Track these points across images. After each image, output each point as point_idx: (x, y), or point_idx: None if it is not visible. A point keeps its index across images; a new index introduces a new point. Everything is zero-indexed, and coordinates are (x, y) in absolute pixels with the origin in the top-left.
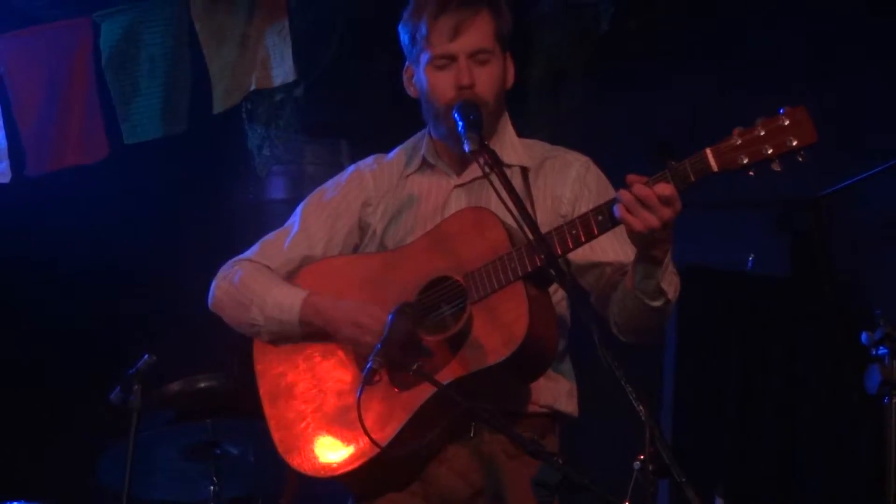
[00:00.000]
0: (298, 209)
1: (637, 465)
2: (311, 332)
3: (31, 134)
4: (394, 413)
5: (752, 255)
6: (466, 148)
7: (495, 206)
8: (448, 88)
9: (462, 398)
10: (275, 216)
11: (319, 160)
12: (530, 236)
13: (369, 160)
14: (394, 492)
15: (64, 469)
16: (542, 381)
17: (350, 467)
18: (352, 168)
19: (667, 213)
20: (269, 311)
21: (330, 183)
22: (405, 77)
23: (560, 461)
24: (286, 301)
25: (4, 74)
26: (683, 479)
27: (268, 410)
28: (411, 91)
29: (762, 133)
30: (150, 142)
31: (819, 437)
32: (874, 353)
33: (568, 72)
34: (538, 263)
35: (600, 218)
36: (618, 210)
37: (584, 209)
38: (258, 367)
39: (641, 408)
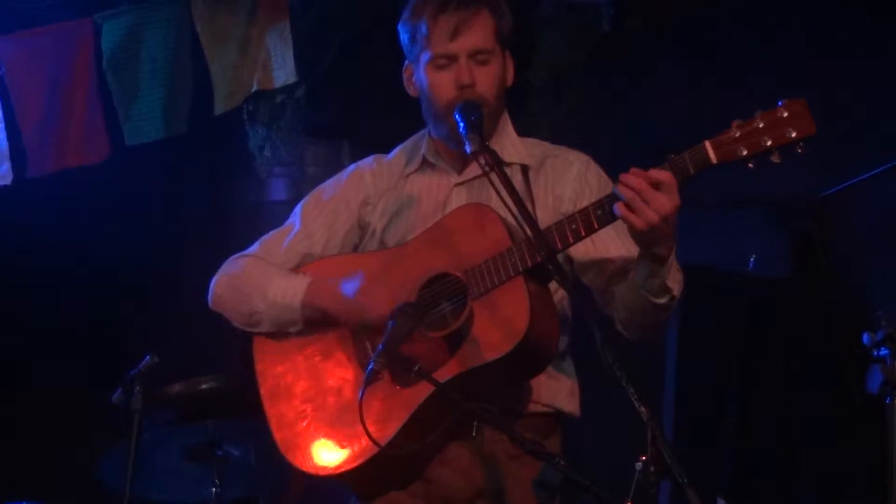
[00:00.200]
0: (298, 208)
1: (638, 465)
2: (312, 318)
3: (33, 135)
4: (394, 412)
5: (754, 255)
6: (468, 149)
7: (496, 204)
8: (449, 88)
9: (464, 396)
10: (276, 217)
11: (321, 161)
12: (530, 233)
13: (369, 160)
14: (395, 491)
15: (65, 470)
16: (543, 379)
17: (351, 466)
18: (351, 168)
19: (666, 205)
20: (272, 296)
21: (329, 182)
22: (405, 76)
23: (561, 462)
24: (290, 286)
25: (6, 75)
26: (685, 480)
27: (268, 410)
28: (411, 90)
29: (761, 125)
30: (151, 143)
31: (820, 438)
32: (875, 353)
33: (569, 72)
34: (538, 258)
35: (600, 212)
36: (618, 209)
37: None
38: (258, 368)
39: (643, 408)
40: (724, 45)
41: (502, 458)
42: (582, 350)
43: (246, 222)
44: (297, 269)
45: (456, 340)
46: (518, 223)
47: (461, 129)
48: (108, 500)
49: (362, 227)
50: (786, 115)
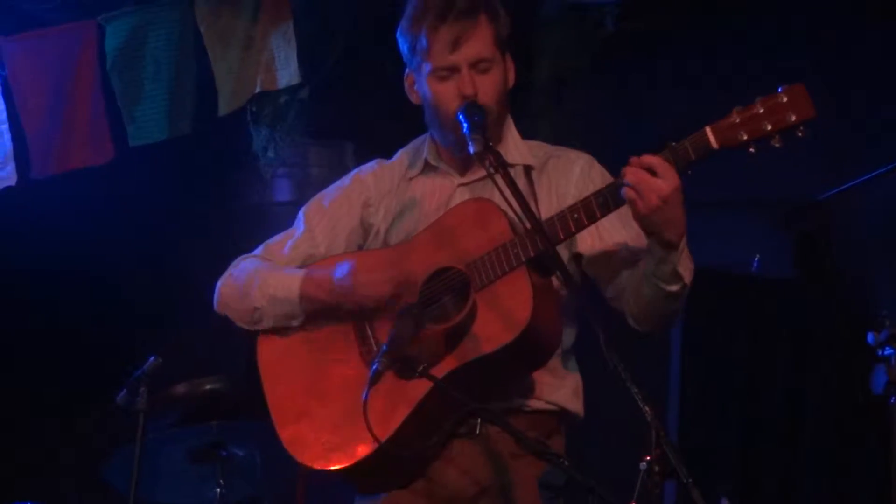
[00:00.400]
0: (301, 212)
1: (643, 466)
2: (312, 309)
3: (37, 136)
4: (396, 407)
5: (758, 256)
6: (471, 149)
7: (499, 203)
8: (452, 99)
9: (468, 389)
10: (280, 218)
11: (324, 162)
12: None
13: (371, 164)
14: (398, 489)
15: (70, 471)
16: (547, 377)
17: (354, 461)
18: (353, 171)
19: (663, 187)
20: (272, 291)
21: (331, 187)
22: (406, 84)
23: (565, 462)
24: (287, 280)
25: (9, 77)
26: (689, 481)
27: (273, 408)
28: (413, 98)
29: (761, 110)
30: (155, 144)
31: (825, 438)
32: (880, 353)
33: (572, 73)
34: (540, 248)
35: (601, 200)
36: (624, 192)
37: None
38: (262, 366)
39: (647, 409)
40: (726, 46)
41: (506, 456)
42: (586, 350)
43: (250, 223)
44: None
45: (459, 332)
46: (521, 221)
47: (465, 130)
48: (113, 501)
49: (365, 229)
50: (785, 99)
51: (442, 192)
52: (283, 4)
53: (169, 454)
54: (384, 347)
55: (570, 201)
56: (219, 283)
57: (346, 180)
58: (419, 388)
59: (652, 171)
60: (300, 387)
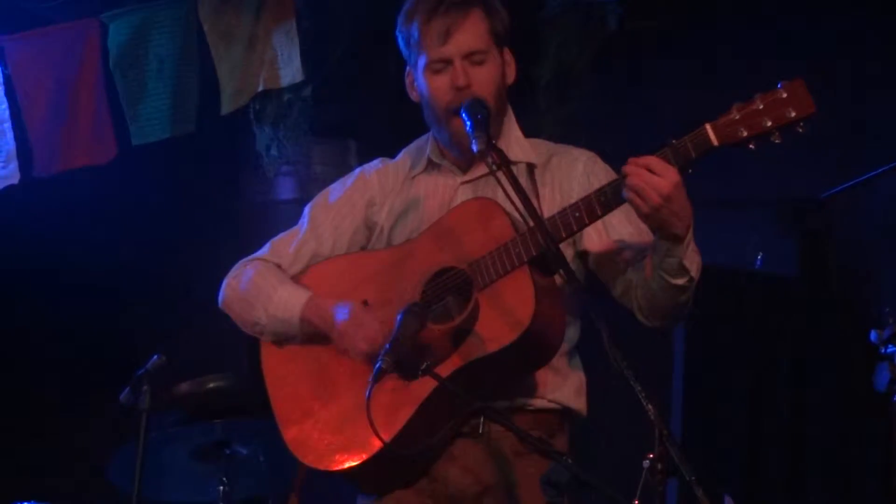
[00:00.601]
0: (305, 211)
1: (646, 464)
2: (310, 333)
3: (40, 135)
4: (400, 406)
5: (761, 254)
6: (474, 147)
7: (501, 202)
8: (445, 91)
9: (471, 388)
10: (283, 217)
11: (328, 160)
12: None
13: (374, 162)
14: (401, 489)
15: (74, 470)
16: (550, 376)
17: (358, 462)
18: (357, 170)
19: (661, 185)
20: (273, 310)
21: (335, 185)
22: (407, 83)
23: (568, 460)
24: (290, 300)
25: (12, 75)
26: (693, 478)
27: (277, 408)
28: (413, 96)
29: (761, 106)
30: (158, 142)
31: (828, 436)
32: (883, 351)
33: (576, 71)
34: (543, 247)
35: (602, 199)
36: (625, 193)
37: None
38: (266, 366)
39: (650, 406)
40: (728, 44)
41: (509, 455)
42: (590, 348)
43: (253, 221)
44: (305, 269)
45: (462, 332)
46: (524, 220)
47: (468, 128)
48: (117, 500)
49: (369, 228)
50: (785, 95)
51: (444, 190)
52: (286, 3)
53: (172, 453)
54: (387, 346)
55: (573, 199)
56: (224, 282)
57: (350, 179)
58: (423, 388)
59: (650, 170)
60: (304, 387)
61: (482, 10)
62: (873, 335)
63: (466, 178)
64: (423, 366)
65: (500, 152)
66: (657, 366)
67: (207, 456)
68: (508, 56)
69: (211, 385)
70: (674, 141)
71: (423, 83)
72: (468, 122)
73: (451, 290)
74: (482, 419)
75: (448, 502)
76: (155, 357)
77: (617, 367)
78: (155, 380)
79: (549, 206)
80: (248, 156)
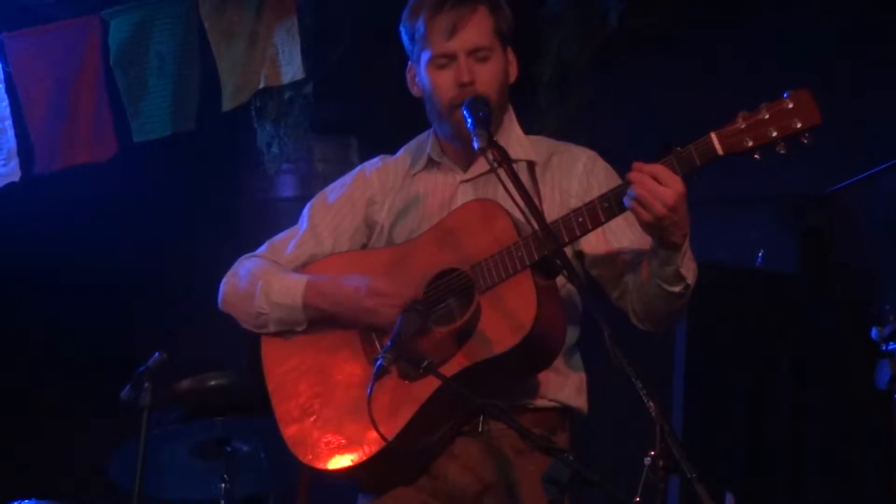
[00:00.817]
0: (305, 210)
1: (647, 461)
2: (315, 317)
3: (40, 132)
4: (402, 406)
5: (762, 250)
6: (475, 145)
7: (502, 200)
8: (449, 87)
9: (471, 390)
10: (285, 214)
11: (329, 158)
12: (537, 228)
13: (374, 160)
14: (402, 487)
15: (75, 467)
16: (551, 375)
17: (359, 461)
18: (357, 168)
19: (667, 196)
20: (275, 297)
21: (335, 184)
22: (409, 77)
23: (570, 457)
24: (290, 285)
25: (13, 73)
26: (694, 475)
27: (277, 406)
28: (415, 91)
29: (766, 116)
30: (158, 140)
31: (829, 433)
32: (884, 348)
33: (577, 68)
34: (545, 252)
35: (606, 205)
36: (628, 202)
37: None
38: (266, 364)
39: (652, 404)
40: (730, 42)
41: (509, 453)
42: (590, 346)
43: (254, 218)
44: (304, 267)
45: (463, 335)
46: (525, 218)
47: (469, 126)
48: (118, 497)
49: (370, 226)
50: (791, 105)
51: (445, 188)
52: (287, 0)
53: (173, 450)
54: (388, 344)
55: (573, 198)
56: (223, 283)
57: (349, 177)
58: (425, 388)
59: (656, 180)
60: (304, 385)
61: (488, 8)
62: (874, 332)
63: (467, 176)
64: (424, 364)
65: (501, 150)
66: (658, 363)
67: (208, 453)
68: (511, 54)
69: (212, 382)
70: (678, 148)
71: (425, 78)
72: (469, 120)
73: (453, 291)
74: (482, 417)
75: (448, 501)
76: (156, 354)
77: (618, 364)
78: (156, 377)
79: (550, 204)
80: (249, 153)
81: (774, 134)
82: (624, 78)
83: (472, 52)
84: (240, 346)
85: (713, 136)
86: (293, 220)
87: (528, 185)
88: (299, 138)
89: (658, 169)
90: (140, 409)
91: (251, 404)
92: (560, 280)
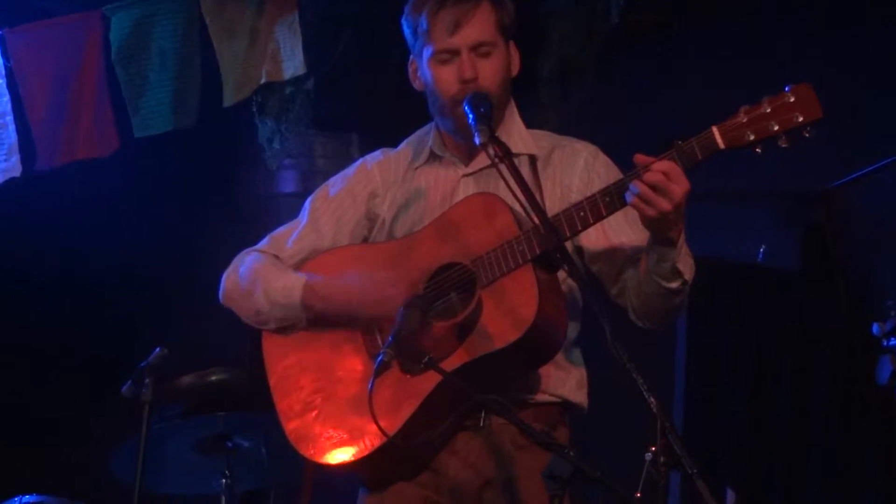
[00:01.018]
0: (306, 203)
1: (648, 456)
2: (314, 316)
3: (41, 128)
4: (404, 401)
5: (763, 247)
6: (477, 140)
7: (504, 194)
8: (451, 82)
9: (473, 385)
10: (286, 209)
11: (330, 153)
12: (538, 222)
13: (376, 153)
14: (403, 482)
15: (76, 463)
16: (551, 370)
17: (360, 456)
18: (358, 161)
19: (676, 193)
20: (274, 297)
21: (337, 177)
22: (410, 71)
23: (571, 453)
24: (290, 285)
25: (14, 68)
26: (695, 471)
27: (278, 402)
28: (417, 85)
29: (768, 110)
30: (160, 135)
31: (830, 429)
32: (885, 344)
33: (578, 64)
34: (547, 246)
35: (608, 199)
36: (629, 197)
37: None
38: (268, 359)
39: (652, 399)
40: (732, 38)
41: (510, 448)
42: (591, 341)
43: (255, 214)
44: (305, 262)
45: (464, 329)
46: (526, 213)
47: (470, 121)
48: (119, 492)
49: (371, 220)
50: (792, 99)
51: (446, 182)
52: None
53: (174, 445)
54: (390, 339)
55: (574, 192)
56: (224, 276)
57: (351, 171)
58: (427, 383)
59: (666, 176)
60: (305, 380)
61: (490, 3)
62: (875, 328)
63: (469, 170)
64: (425, 359)
65: (502, 145)
66: (659, 358)
67: (209, 449)
68: (514, 49)
69: (213, 378)
70: (680, 142)
71: (428, 73)
72: (471, 115)
73: (455, 286)
74: (483, 412)
75: (449, 495)
76: (157, 350)
77: (619, 359)
78: (157, 372)
79: (551, 198)
80: (250, 149)
81: (776, 128)
82: (625, 73)
83: (475, 48)
84: (241, 342)
85: (715, 129)
86: (294, 215)
87: (530, 180)
88: (300, 134)
89: (667, 165)
90: (141, 405)
91: (252, 399)
92: (561, 275)
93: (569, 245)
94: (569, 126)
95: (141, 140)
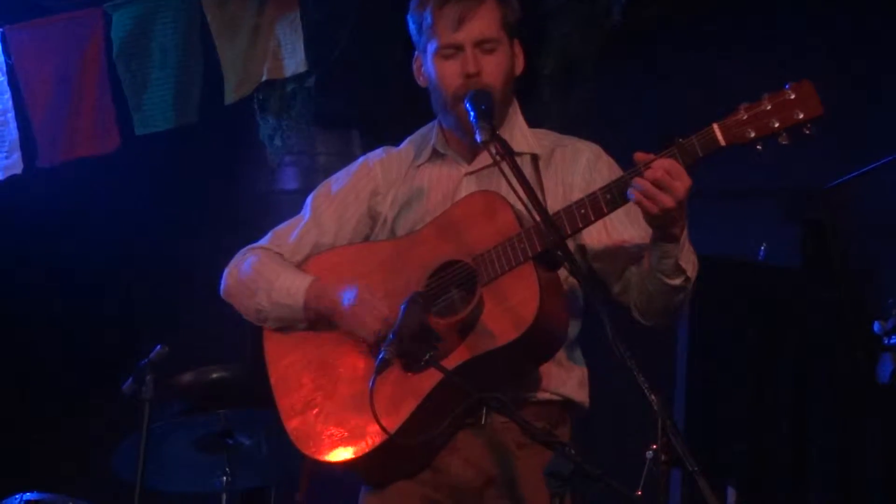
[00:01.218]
0: (309, 200)
1: (649, 454)
2: (315, 319)
3: (43, 125)
4: (404, 399)
5: (764, 244)
6: (478, 138)
7: (505, 193)
8: (455, 77)
9: (473, 383)
10: (287, 206)
11: (331, 150)
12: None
13: (378, 151)
14: (404, 480)
15: (77, 460)
16: (552, 368)
17: (361, 453)
18: (361, 159)
19: (679, 189)
20: (276, 297)
21: (339, 174)
22: (415, 67)
23: (572, 451)
24: (292, 286)
25: (16, 65)
26: (696, 469)
27: (280, 400)
28: (421, 81)
29: (769, 107)
30: (161, 133)
31: (831, 427)
32: (886, 342)
33: (580, 62)
34: (548, 243)
35: (609, 196)
36: (632, 194)
37: None
38: (269, 357)
39: (654, 397)
40: (734, 36)
41: (511, 446)
42: (592, 339)
43: (256, 211)
44: (307, 258)
45: (465, 327)
46: (528, 211)
47: (472, 118)
48: (120, 490)
49: (373, 218)
50: (793, 97)
51: (449, 181)
52: None
53: (175, 443)
54: (390, 336)
55: (576, 192)
56: (225, 272)
57: (353, 168)
58: (427, 380)
59: (668, 174)
60: (306, 378)
61: (496, 0)
62: (877, 326)
63: (471, 168)
64: (426, 356)
65: (503, 143)
66: (660, 356)
67: (210, 446)
68: (518, 47)
69: (214, 375)
70: (681, 139)
71: (431, 68)
72: (472, 113)
73: (456, 283)
74: (484, 410)
75: (451, 493)
76: (158, 347)
77: (620, 357)
78: (158, 370)
79: (553, 197)
80: (251, 146)
81: (777, 125)
82: (626, 70)
83: (479, 44)
84: (242, 339)
85: (715, 126)
86: (295, 212)
87: (532, 179)
88: (302, 131)
89: (668, 163)
90: (142, 402)
91: (253, 397)
92: (562, 273)
93: (570, 243)
94: (569, 124)
95: (142, 137)
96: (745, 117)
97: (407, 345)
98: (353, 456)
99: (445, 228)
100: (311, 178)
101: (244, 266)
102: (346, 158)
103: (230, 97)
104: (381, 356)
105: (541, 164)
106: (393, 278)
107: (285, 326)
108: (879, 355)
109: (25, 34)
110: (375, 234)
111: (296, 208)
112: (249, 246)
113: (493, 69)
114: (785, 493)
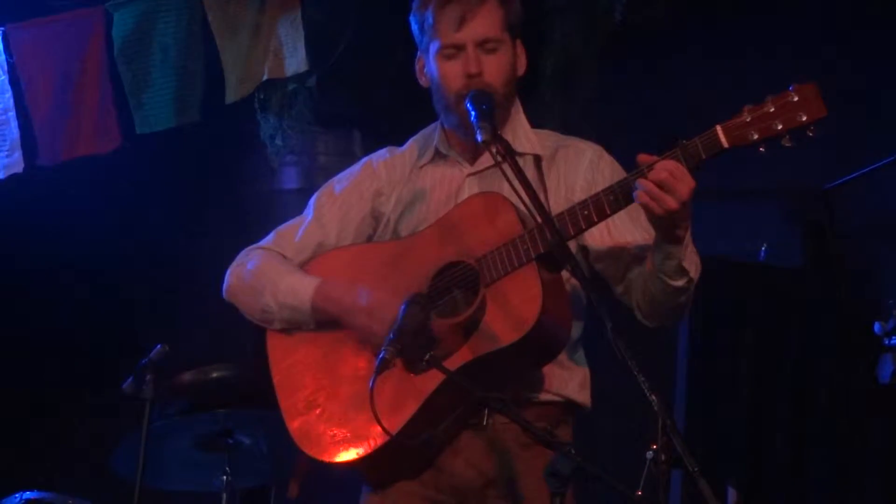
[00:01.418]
0: (312, 200)
1: (650, 454)
2: (322, 320)
3: (44, 124)
4: (406, 399)
5: (765, 245)
6: (479, 137)
7: (507, 194)
8: (457, 77)
9: (475, 383)
10: (288, 206)
11: (332, 150)
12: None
13: (382, 152)
14: (406, 480)
15: (77, 459)
16: (554, 369)
17: (363, 454)
18: (364, 159)
19: (683, 191)
20: (282, 298)
21: (342, 174)
22: (417, 67)
23: (572, 451)
24: (299, 287)
25: (17, 64)
26: (696, 470)
27: (281, 399)
28: (423, 81)
29: (772, 109)
30: (162, 132)
31: (831, 427)
32: (886, 342)
33: (581, 62)
34: (550, 244)
35: (612, 198)
36: (637, 197)
37: None
38: (271, 357)
39: (654, 398)
40: (736, 36)
41: (513, 446)
42: (594, 340)
43: (257, 211)
44: (310, 259)
45: (468, 328)
46: (530, 212)
47: (472, 118)
48: (120, 489)
49: (376, 218)
50: (796, 99)
51: (451, 181)
52: None
53: (175, 442)
54: (390, 336)
55: (578, 192)
56: (228, 272)
57: (357, 168)
58: (429, 381)
59: (672, 175)
60: (309, 378)
61: (498, 0)
62: (877, 327)
63: (473, 169)
64: (427, 357)
65: (505, 143)
66: (660, 356)
67: (210, 445)
68: (520, 48)
69: (214, 374)
70: (684, 141)
71: (434, 68)
72: (473, 113)
73: (458, 284)
74: (487, 411)
75: (452, 494)
76: (158, 346)
77: (621, 358)
78: (158, 369)
79: (555, 198)
80: (252, 145)
81: (780, 127)
82: (628, 71)
83: (481, 44)
84: (243, 338)
85: (719, 129)
86: (296, 212)
87: (535, 180)
88: (303, 131)
89: (672, 165)
90: (142, 401)
91: (254, 396)
92: (564, 274)
93: (573, 244)
94: (571, 124)
95: (143, 136)
96: (748, 119)
97: (407, 344)
98: (356, 456)
99: (448, 229)
100: (312, 177)
101: (248, 266)
102: (347, 158)
103: (231, 96)
104: (380, 356)
105: (543, 164)
106: (395, 279)
107: (292, 327)
108: (879, 356)
109: (27, 33)
110: (378, 235)
111: (297, 208)
112: (252, 246)
113: (495, 69)
114: (785, 493)
